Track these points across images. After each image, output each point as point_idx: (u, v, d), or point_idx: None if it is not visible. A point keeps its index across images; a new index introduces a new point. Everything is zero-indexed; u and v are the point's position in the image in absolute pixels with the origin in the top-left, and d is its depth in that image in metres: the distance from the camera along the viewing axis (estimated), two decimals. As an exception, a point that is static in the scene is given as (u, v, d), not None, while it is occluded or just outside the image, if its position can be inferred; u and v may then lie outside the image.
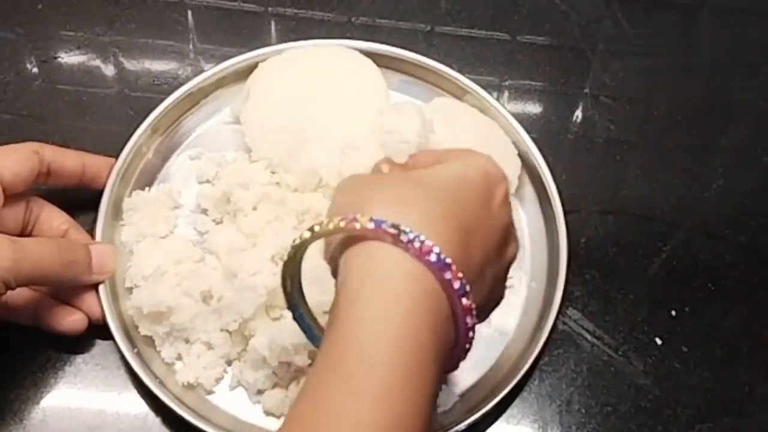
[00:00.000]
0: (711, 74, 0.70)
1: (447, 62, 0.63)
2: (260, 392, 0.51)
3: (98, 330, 0.52)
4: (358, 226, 0.34)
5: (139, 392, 0.51)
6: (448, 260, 0.33)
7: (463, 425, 0.49)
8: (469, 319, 0.35)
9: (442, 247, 0.33)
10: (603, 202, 0.61)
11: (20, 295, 0.49)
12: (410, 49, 0.63)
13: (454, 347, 0.36)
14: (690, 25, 0.73)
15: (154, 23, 0.67)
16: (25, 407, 0.51)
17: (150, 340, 0.52)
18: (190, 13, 0.68)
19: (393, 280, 0.34)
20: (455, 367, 0.37)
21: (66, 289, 0.51)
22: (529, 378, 0.53)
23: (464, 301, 0.34)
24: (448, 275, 0.33)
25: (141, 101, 0.62)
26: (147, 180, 0.58)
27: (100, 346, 0.53)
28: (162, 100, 0.59)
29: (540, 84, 0.67)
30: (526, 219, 0.58)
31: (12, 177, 0.49)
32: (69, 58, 0.65)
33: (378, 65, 0.61)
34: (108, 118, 0.62)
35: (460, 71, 0.62)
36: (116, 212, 0.56)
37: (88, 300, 0.51)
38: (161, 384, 0.50)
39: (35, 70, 0.65)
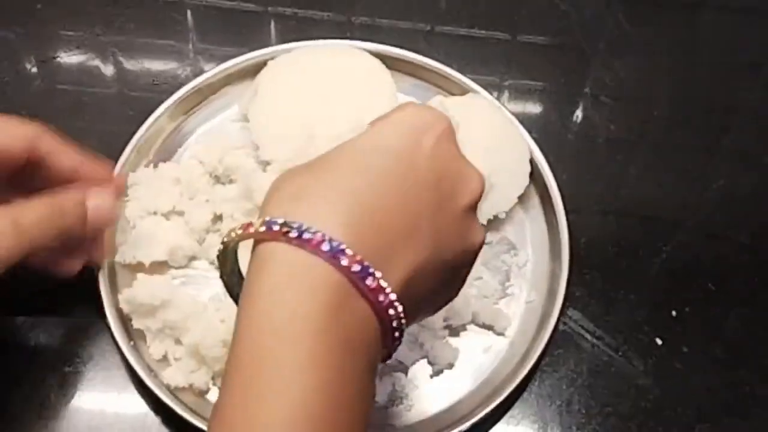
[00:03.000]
0: (711, 74, 0.70)
1: (447, 62, 0.62)
2: None
3: (97, 330, 0.52)
4: (252, 230, 0.35)
5: (138, 392, 0.51)
6: (342, 246, 0.33)
7: (463, 426, 0.49)
8: (382, 297, 0.34)
9: (335, 233, 0.34)
10: (603, 202, 0.61)
11: None
12: (410, 49, 0.63)
13: (381, 326, 0.35)
14: (690, 25, 0.73)
15: (153, 23, 0.67)
16: (24, 408, 0.50)
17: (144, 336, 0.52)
18: (189, 12, 0.68)
19: (284, 275, 0.34)
20: (391, 349, 0.36)
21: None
22: (529, 379, 0.53)
23: (369, 281, 0.34)
24: (344, 261, 0.33)
25: (140, 101, 0.62)
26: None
27: (100, 346, 0.52)
28: (162, 100, 0.59)
29: (540, 84, 0.67)
30: (527, 219, 0.58)
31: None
32: (68, 57, 0.65)
33: (377, 64, 0.61)
34: (107, 118, 0.62)
35: (460, 71, 0.62)
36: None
37: (87, 243, 0.50)
38: (161, 383, 0.50)
39: (34, 69, 0.64)
